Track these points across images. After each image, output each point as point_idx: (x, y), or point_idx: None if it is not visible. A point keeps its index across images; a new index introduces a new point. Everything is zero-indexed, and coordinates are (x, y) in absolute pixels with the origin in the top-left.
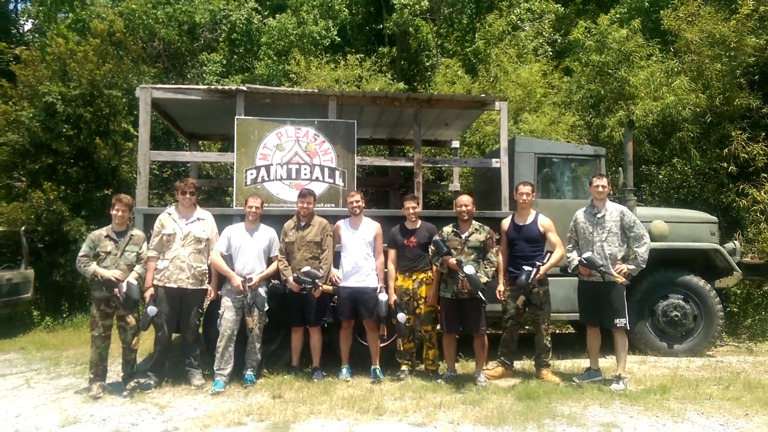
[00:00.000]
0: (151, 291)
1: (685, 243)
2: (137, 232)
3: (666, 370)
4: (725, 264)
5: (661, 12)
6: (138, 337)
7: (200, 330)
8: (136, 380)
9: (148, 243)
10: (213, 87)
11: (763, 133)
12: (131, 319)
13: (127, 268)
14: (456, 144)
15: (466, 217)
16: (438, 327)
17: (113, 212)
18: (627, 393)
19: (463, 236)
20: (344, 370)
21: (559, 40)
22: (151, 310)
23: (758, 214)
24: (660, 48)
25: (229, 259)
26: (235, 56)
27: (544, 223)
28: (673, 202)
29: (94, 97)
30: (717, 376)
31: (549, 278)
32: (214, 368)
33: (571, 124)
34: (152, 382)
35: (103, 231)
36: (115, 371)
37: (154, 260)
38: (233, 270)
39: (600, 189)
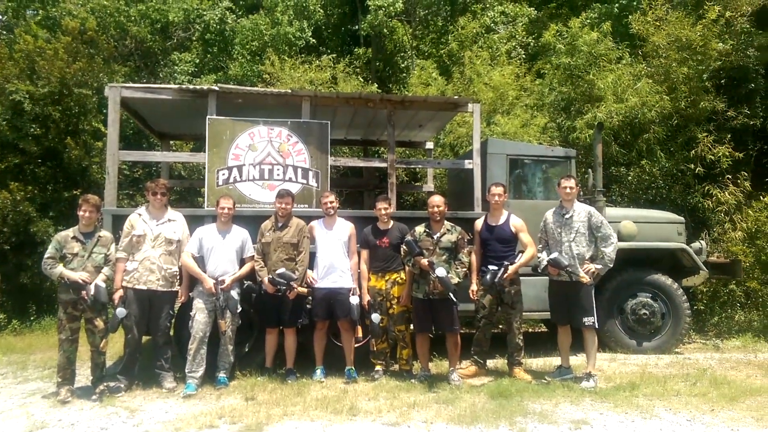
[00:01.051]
0: (120, 293)
1: (653, 243)
2: (105, 233)
3: (635, 368)
4: (692, 263)
5: (630, 16)
6: (107, 340)
7: (171, 332)
8: (105, 384)
9: (116, 244)
10: (184, 86)
11: (729, 136)
12: (99, 322)
13: (95, 269)
14: (430, 145)
15: (438, 218)
16: (411, 327)
17: (80, 213)
18: (597, 390)
19: (435, 237)
20: (318, 371)
21: (531, 44)
22: (120, 312)
23: (723, 214)
24: (629, 52)
25: (200, 260)
26: (208, 56)
27: (516, 223)
28: (642, 202)
29: (63, 96)
30: (684, 372)
31: (521, 278)
32: (186, 371)
33: (542, 126)
34: (122, 386)
35: (69, 232)
36: (84, 375)
37: (123, 261)
38: (205, 272)
39: (568, 190)
